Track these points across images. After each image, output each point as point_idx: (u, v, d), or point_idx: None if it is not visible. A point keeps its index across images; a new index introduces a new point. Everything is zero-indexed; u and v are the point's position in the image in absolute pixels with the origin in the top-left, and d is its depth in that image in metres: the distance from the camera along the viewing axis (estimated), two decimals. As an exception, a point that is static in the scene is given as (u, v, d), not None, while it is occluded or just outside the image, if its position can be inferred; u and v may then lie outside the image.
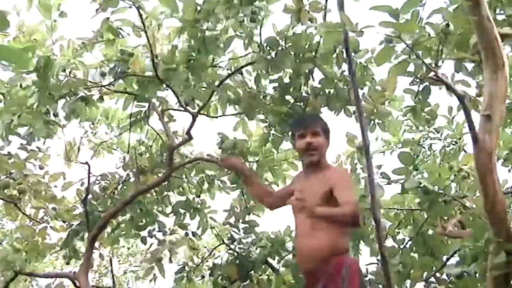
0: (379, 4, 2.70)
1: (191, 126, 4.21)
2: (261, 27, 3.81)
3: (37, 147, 4.80)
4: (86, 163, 4.44)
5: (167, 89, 4.17)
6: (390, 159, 5.34)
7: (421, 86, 3.51)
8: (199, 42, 3.73)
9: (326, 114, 4.11)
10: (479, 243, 2.79)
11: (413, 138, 5.02)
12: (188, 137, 4.21)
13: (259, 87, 4.13)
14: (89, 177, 4.41)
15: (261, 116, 4.30)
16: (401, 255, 4.19)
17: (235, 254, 4.76)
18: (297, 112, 3.96)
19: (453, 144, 5.03)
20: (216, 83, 4.12)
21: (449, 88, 2.82)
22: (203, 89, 4.12)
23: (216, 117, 4.50)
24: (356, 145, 4.49)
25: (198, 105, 4.28)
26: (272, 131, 4.29)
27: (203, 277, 5.19)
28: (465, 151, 4.97)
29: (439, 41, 2.81)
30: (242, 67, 4.15)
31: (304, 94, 4.02)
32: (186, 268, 5.06)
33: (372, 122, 4.09)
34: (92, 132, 5.12)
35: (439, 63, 3.09)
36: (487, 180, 2.65)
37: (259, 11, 3.67)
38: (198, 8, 3.67)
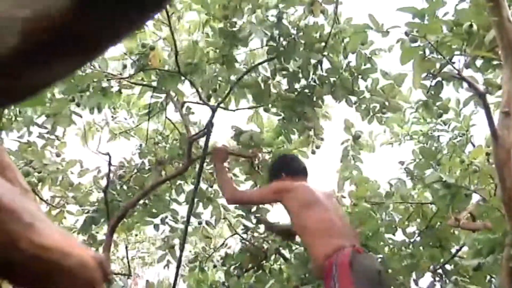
0: (404, 6, 2.80)
1: (210, 119, 4.28)
2: (279, 22, 3.90)
3: (54, 135, 4.88)
4: (108, 153, 4.50)
5: (184, 83, 4.24)
6: (398, 151, 5.42)
7: (434, 81, 3.57)
8: (227, 36, 3.80)
9: (329, 102, 4.24)
10: (496, 235, 2.88)
11: (421, 130, 5.09)
12: (207, 130, 4.28)
13: (270, 79, 4.22)
14: (109, 167, 4.48)
15: (274, 109, 4.40)
16: (411, 248, 4.26)
17: (248, 244, 4.82)
18: (305, 100, 4.07)
19: (461, 136, 5.10)
20: (233, 77, 4.20)
21: (470, 85, 2.92)
22: (223, 82, 4.19)
23: (234, 110, 4.59)
24: (352, 134, 4.59)
25: (216, 99, 4.36)
26: (285, 124, 4.41)
27: (215, 266, 5.26)
28: (472, 144, 5.04)
29: (462, 41, 2.90)
30: (261, 62, 4.24)
31: (312, 82, 4.12)
32: (198, 258, 5.14)
33: (381, 115, 4.19)
34: (112, 117, 5.16)
35: (453, 59, 3.19)
36: (505, 174, 2.76)
37: (282, 13, 3.79)
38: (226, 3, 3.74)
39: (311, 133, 4.50)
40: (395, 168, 4.41)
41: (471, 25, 2.95)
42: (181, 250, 4.27)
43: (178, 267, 4.34)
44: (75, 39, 0.53)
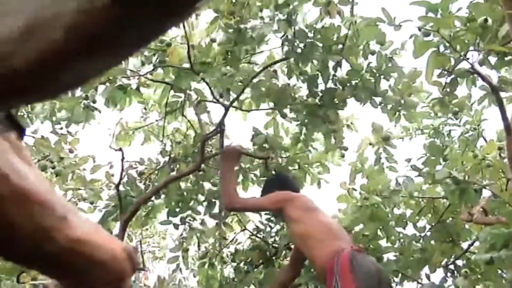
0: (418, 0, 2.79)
1: (223, 118, 4.28)
2: (293, 22, 3.90)
3: (67, 131, 4.91)
4: (120, 149, 4.53)
5: (202, 81, 4.25)
6: (409, 146, 5.40)
7: (449, 78, 3.57)
8: (234, 34, 3.81)
9: (352, 104, 4.25)
10: (510, 229, 2.89)
11: (432, 125, 5.08)
12: (220, 129, 4.28)
13: (289, 83, 4.22)
14: (122, 163, 4.51)
15: (292, 115, 4.42)
16: (422, 242, 4.26)
17: (258, 240, 4.84)
18: (326, 104, 4.06)
19: (472, 131, 5.08)
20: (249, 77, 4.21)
21: (484, 80, 2.91)
22: (239, 82, 4.20)
23: (248, 111, 4.59)
24: (382, 135, 4.59)
25: (231, 97, 4.37)
26: (304, 130, 4.42)
27: (224, 262, 5.30)
28: (484, 138, 5.03)
29: (476, 36, 2.89)
30: (275, 62, 4.23)
31: (331, 85, 4.11)
32: (209, 254, 5.16)
33: (398, 113, 4.18)
34: (142, 117, 5.17)
35: (467, 55, 3.18)
36: (519, 168, 2.76)
37: (294, 13, 3.78)
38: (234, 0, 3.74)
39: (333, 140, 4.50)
40: (404, 163, 4.43)
41: (485, 19, 2.94)
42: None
43: None
44: (113, 36, 0.54)
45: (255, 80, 4.22)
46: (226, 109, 4.25)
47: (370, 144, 4.97)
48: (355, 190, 4.23)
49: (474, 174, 3.85)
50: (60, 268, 0.90)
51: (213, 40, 4.06)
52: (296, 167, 4.66)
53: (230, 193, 3.64)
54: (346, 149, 4.61)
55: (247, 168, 4.74)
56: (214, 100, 4.33)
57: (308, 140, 4.43)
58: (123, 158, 4.47)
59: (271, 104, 4.42)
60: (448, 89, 3.59)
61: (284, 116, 4.40)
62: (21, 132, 0.68)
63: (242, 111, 4.62)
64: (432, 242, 4.23)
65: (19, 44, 0.53)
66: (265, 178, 4.60)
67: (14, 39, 0.54)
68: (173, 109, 4.51)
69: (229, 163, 3.84)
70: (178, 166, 4.71)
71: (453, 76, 3.51)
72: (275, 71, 4.29)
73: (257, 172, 4.74)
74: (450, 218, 4.31)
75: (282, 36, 3.87)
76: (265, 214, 4.82)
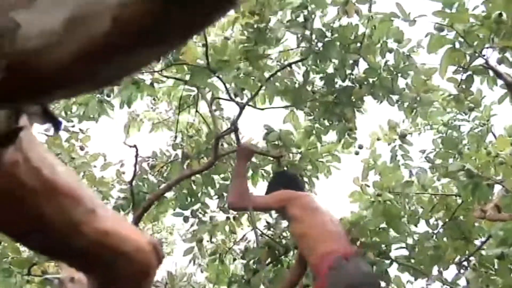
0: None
1: (238, 117, 4.27)
2: (312, 21, 3.91)
3: (79, 129, 4.94)
4: (135, 146, 4.54)
5: (217, 78, 4.26)
6: (418, 140, 5.39)
7: (464, 75, 3.55)
8: (254, 32, 3.82)
9: (369, 102, 4.25)
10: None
11: (441, 120, 5.07)
12: (234, 128, 4.28)
13: (306, 81, 4.23)
14: (136, 159, 4.52)
15: (306, 110, 4.44)
16: (434, 239, 4.24)
17: (267, 238, 4.86)
18: (344, 101, 4.08)
19: (481, 126, 5.06)
20: (266, 74, 4.22)
21: (499, 76, 2.90)
22: (253, 80, 4.21)
23: (263, 109, 4.60)
24: (398, 133, 4.59)
25: (247, 96, 4.39)
26: (317, 125, 4.43)
27: (234, 259, 5.32)
28: (493, 134, 5.00)
29: (490, 31, 2.88)
30: (293, 62, 4.25)
31: (349, 83, 4.12)
32: (219, 250, 5.18)
33: (415, 111, 4.18)
34: (152, 108, 5.18)
35: (483, 51, 3.17)
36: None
37: (311, 14, 3.80)
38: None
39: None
40: (415, 157, 4.42)
41: (500, 14, 2.93)
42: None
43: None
44: (156, 30, 0.54)
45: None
46: (241, 108, 4.25)
47: (378, 139, 4.97)
48: (368, 186, 4.23)
49: (486, 170, 3.83)
50: (88, 260, 0.91)
51: (227, 38, 4.06)
52: (308, 163, 4.67)
53: (237, 192, 3.66)
54: (361, 147, 4.63)
55: (258, 164, 4.75)
56: (229, 99, 4.33)
57: (320, 134, 4.45)
58: (137, 155, 4.48)
59: (285, 102, 4.43)
60: (463, 86, 3.57)
61: (301, 109, 4.44)
62: (56, 125, 0.69)
63: (256, 109, 4.62)
64: (445, 239, 4.22)
65: (63, 37, 0.54)
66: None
67: (58, 31, 0.54)
68: (187, 104, 4.53)
69: (242, 161, 3.87)
70: (190, 161, 4.71)
71: (468, 72, 3.49)
72: (291, 68, 4.29)
73: (268, 168, 4.75)
74: (463, 216, 4.28)
75: (300, 37, 3.88)
76: (275, 212, 4.85)
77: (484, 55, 2.99)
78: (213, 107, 4.54)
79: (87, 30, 0.54)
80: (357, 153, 4.64)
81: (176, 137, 4.86)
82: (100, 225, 0.88)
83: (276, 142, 4.34)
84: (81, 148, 5.10)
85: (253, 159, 4.53)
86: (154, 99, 5.04)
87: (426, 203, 4.37)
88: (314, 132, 4.40)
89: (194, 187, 4.76)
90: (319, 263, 3.13)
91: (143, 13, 0.52)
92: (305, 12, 3.78)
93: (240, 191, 3.64)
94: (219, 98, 4.55)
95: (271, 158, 4.52)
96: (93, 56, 0.56)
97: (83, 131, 5.04)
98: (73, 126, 4.86)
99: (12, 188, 0.76)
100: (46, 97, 0.61)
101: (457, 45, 3.05)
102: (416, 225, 4.35)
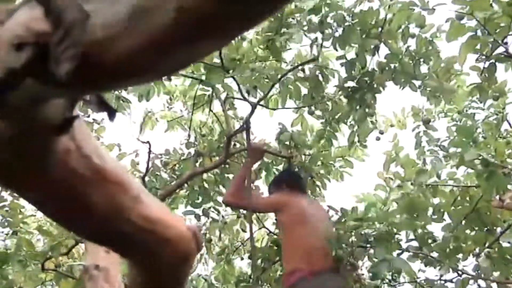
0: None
1: (250, 115, 4.31)
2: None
3: (93, 119, 4.96)
4: (148, 142, 4.57)
5: (231, 77, 4.29)
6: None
7: (487, 63, 3.51)
8: (276, 22, 3.83)
9: (391, 88, 4.26)
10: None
11: (456, 108, 5.05)
12: (246, 126, 4.31)
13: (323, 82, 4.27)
14: (149, 155, 4.55)
15: (318, 112, 4.50)
16: (455, 231, 4.20)
17: (275, 237, 4.89)
18: (363, 87, 4.09)
19: (497, 114, 5.03)
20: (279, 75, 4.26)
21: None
22: (266, 79, 4.24)
23: (274, 109, 4.63)
24: (421, 118, 4.58)
25: (260, 95, 4.42)
26: (328, 128, 4.50)
27: (242, 259, 5.36)
28: (508, 122, 4.97)
29: (511, 18, 2.86)
30: (305, 63, 4.27)
31: (370, 69, 4.13)
32: (226, 250, 5.21)
33: (438, 97, 4.19)
34: (168, 107, 5.22)
35: (506, 39, 3.15)
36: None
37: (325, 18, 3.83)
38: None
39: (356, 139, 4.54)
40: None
41: (521, 0, 2.90)
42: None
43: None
44: (219, 19, 0.57)
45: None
46: (253, 107, 4.28)
47: (392, 125, 4.98)
48: (392, 179, 4.24)
49: (503, 158, 3.80)
50: (133, 246, 0.94)
51: (244, 38, 4.08)
52: (320, 164, 4.70)
53: (235, 189, 3.74)
54: (382, 132, 4.66)
55: (271, 162, 4.79)
56: (242, 98, 4.37)
57: (331, 137, 4.52)
58: (150, 151, 4.51)
59: (297, 102, 4.48)
60: (486, 74, 3.54)
61: (311, 113, 4.51)
62: (111, 113, 0.71)
63: (268, 109, 4.67)
64: (467, 231, 4.18)
65: (128, 27, 0.56)
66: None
67: (122, 22, 0.57)
68: (201, 103, 4.56)
69: (251, 160, 3.94)
70: (202, 159, 4.75)
71: (491, 61, 3.46)
72: (303, 70, 4.34)
73: (280, 167, 4.78)
74: (484, 207, 4.23)
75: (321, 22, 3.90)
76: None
77: (506, 43, 2.97)
78: (227, 107, 4.58)
79: (152, 21, 0.57)
80: (378, 139, 4.68)
81: (189, 135, 4.89)
82: (145, 212, 0.91)
83: (288, 143, 4.36)
84: (96, 139, 5.13)
85: (265, 159, 4.59)
86: (170, 98, 5.07)
87: (448, 196, 4.33)
88: (325, 135, 4.46)
89: (206, 185, 4.79)
90: (284, 280, 3.36)
91: (206, 3, 0.55)
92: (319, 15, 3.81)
93: (238, 189, 3.72)
94: (233, 98, 4.58)
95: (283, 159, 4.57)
96: (157, 46, 0.58)
97: (98, 122, 5.05)
98: (88, 116, 4.89)
99: (64, 176, 0.79)
100: (110, 86, 0.64)
101: (478, 33, 3.04)
102: (442, 220, 4.29)
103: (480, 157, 3.31)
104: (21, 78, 0.58)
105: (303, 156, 4.58)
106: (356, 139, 4.42)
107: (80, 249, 5.06)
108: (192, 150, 4.80)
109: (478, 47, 3.15)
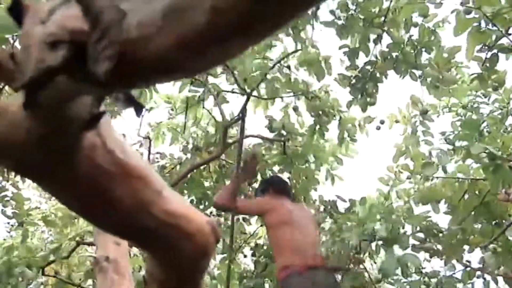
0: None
1: (244, 105, 4.37)
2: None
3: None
4: (148, 137, 4.59)
5: (222, 74, 4.34)
6: (437, 123, 5.39)
7: (489, 54, 3.51)
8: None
9: (391, 77, 4.30)
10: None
11: (460, 103, 5.05)
12: (242, 116, 4.37)
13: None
14: (149, 152, 4.57)
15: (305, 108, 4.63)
16: (463, 223, 4.21)
17: None
18: (365, 76, 4.12)
19: (501, 109, 5.04)
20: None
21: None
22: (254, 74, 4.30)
23: (266, 99, 4.71)
24: (420, 108, 4.60)
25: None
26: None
27: (245, 256, 5.41)
28: (513, 117, 4.97)
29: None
30: (288, 55, 4.33)
31: (373, 58, 4.15)
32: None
33: (437, 87, 4.20)
34: (169, 118, 5.26)
35: (510, 30, 3.15)
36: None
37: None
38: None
39: (346, 135, 4.67)
40: (435, 139, 4.44)
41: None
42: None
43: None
44: (253, 19, 0.57)
45: (269, 76, 4.42)
46: (248, 96, 4.34)
47: (397, 121, 4.99)
48: (401, 172, 4.26)
49: (508, 152, 3.81)
50: (155, 240, 0.95)
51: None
52: (311, 155, 4.81)
53: (225, 193, 3.85)
54: (382, 122, 4.70)
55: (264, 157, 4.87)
56: (234, 91, 4.45)
57: (322, 131, 4.65)
58: (150, 146, 4.53)
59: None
60: (487, 65, 3.53)
61: (296, 109, 4.69)
62: (138, 110, 0.72)
63: (262, 100, 4.73)
64: (474, 224, 4.19)
65: (162, 26, 0.57)
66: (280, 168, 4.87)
67: (157, 21, 0.57)
68: (195, 102, 4.62)
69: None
70: (200, 153, 4.81)
71: (493, 51, 3.46)
72: (288, 67, 4.43)
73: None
74: (492, 200, 4.24)
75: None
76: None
77: (510, 34, 2.97)
78: (219, 101, 4.66)
79: (186, 20, 0.57)
80: (378, 128, 4.72)
81: (187, 142, 4.95)
82: (167, 206, 0.91)
83: (280, 131, 4.51)
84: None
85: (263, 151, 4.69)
86: (172, 108, 5.13)
87: (456, 188, 4.34)
88: (316, 129, 4.59)
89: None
90: (278, 275, 3.44)
91: (240, 3, 0.55)
92: None
93: (228, 193, 3.83)
94: (224, 91, 4.66)
95: (275, 147, 4.63)
96: (190, 46, 0.58)
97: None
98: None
99: (90, 172, 0.80)
100: (142, 84, 0.64)
101: (483, 24, 3.04)
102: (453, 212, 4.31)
103: (487, 151, 3.31)
104: (54, 76, 0.59)
105: (296, 147, 4.72)
106: (346, 134, 4.49)
107: (83, 252, 5.11)
108: (189, 155, 4.87)
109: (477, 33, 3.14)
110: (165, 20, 0.57)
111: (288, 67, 4.47)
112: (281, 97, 4.74)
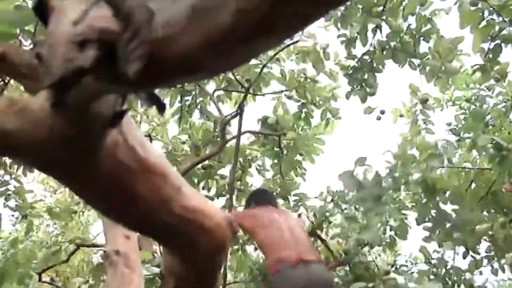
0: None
1: (242, 101, 4.42)
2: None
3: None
4: (149, 135, 4.63)
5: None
6: (440, 116, 5.41)
7: (492, 44, 3.49)
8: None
9: (390, 66, 4.29)
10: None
11: (464, 96, 5.05)
12: (240, 111, 4.41)
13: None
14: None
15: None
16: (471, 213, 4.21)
17: None
18: (365, 66, 4.12)
19: (505, 102, 5.04)
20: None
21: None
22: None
23: (263, 94, 4.77)
24: (419, 97, 4.61)
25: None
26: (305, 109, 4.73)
27: (256, 249, 5.45)
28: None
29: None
30: (282, 49, 4.36)
31: (371, 48, 4.15)
32: (240, 241, 5.31)
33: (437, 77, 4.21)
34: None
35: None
36: None
37: None
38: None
39: (329, 115, 4.73)
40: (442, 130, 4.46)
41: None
42: None
43: None
44: (276, 19, 0.57)
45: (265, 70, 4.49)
46: (246, 90, 4.39)
47: (401, 116, 5.00)
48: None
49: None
50: (175, 235, 0.96)
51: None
52: (302, 147, 4.92)
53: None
54: (383, 112, 4.72)
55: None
56: (231, 89, 4.52)
57: (308, 118, 4.77)
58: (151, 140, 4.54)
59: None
60: (490, 55, 3.51)
61: (290, 97, 4.78)
62: (161, 107, 0.72)
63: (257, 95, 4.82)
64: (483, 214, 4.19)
65: (187, 26, 0.57)
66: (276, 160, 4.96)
67: (182, 21, 0.58)
68: (183, 112, 4.69)
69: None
70: (199, 152, 4.87)
71: (496, 41, 3.44)
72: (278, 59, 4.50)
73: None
74: (499, 190, 4.24)
75: None
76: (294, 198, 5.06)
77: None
78: (217, 99, 4.73)
79: (210, 21, 0.58)
80: (379, 118, 4.73)
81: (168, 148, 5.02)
82: (186, 202, 0.92)
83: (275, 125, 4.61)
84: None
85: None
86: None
87: (463, 178, 4.34)
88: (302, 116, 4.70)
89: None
90: (270, 269, 3.37)
91: (263, 5, 0.55)
92: None
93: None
94: (221, 89, 4.72)
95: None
96: (215, 46, 0.59)
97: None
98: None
99: (112, 168, 0.80)
100: (167, 84, 0.65)
101: (486, 14, 3.03)
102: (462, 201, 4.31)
103: (494, 142, 3.31)
104: (84, 76, 0.59)
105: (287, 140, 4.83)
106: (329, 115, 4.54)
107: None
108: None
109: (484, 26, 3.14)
110: (190, 20, 0.57)
111: (278, 59, 4.51)
112: (278, 93, 4.80)
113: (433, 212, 3.88)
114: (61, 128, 0.71)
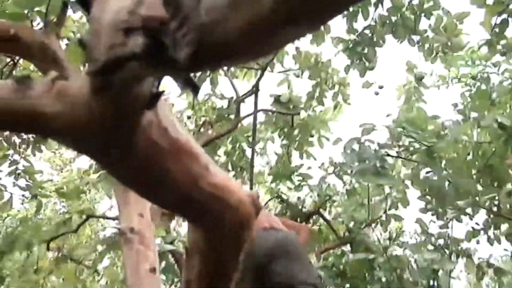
0: None
1: (259, 79, 4.42)
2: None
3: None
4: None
5: None
6: (445, 94, 5.43)
7: (499, 19, 3.47)
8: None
9: (390, 42, 4.30)
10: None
11: (470, 73, 5.04)
12: (256, 89, 4.43)
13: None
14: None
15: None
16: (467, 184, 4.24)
17: (287, 205, 5.01)
18: (365, 40, 4.12)
19: (511, 79, 5.04)
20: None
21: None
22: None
23: (278, 72, 4.83)
24: (415, 74, 4.64)
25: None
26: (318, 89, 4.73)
27: None
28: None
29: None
30: None
31: (372, 23, 4.15)
32: None
33: (436, 54, 4.22)
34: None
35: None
36: None
37: None
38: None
39: (340, 98, 4.77)
40: (443, 110, 4.49)
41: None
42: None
43: None
44: (312, 6, 0.60)
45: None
46: (263, 70, 4.39)
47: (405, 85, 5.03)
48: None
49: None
50: (202, 212, 1.00)
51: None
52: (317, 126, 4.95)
53: None
54: (381, 87, 4.76)
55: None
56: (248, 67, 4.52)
57: (321, 97, 4.80)
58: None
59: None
60: (497, 30, 3.50)
61: (297, 76, 4.82)
62: (195, 90, 0.76)
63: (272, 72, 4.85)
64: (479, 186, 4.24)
65: (229, 12, 0.60)
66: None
67: (224, 7, 0.61)
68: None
69: None
70: (212, 128, 4.88)
71: (503, 16, 3.43)
72: None
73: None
74: (497, 163, 4.27)
75: None
76: (297, 178, 5.09)
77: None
78: (230, 75, 4.73)
79: (251, 7, 0.60)
80: (377, 94, 4.77)
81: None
82: (213, 179, 0.96)
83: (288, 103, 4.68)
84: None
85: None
86: None
87: (461, 150, 4.37)
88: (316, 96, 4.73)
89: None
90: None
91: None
92: None
93: None
94: (237, 67, 4.73)
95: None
96: (255, 31, 0.62)
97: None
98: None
99: (147, 149, 0.84)
100: (209, 68, 0.68)
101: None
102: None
103: (498, 121, 3.33)
104: (130, 62, 0.62)
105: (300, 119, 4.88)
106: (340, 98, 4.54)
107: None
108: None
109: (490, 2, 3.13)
110: (231, 6, 0.60)
111: None
112: (294, 70, 4.83)
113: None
114: (101, 111, 0.74)
